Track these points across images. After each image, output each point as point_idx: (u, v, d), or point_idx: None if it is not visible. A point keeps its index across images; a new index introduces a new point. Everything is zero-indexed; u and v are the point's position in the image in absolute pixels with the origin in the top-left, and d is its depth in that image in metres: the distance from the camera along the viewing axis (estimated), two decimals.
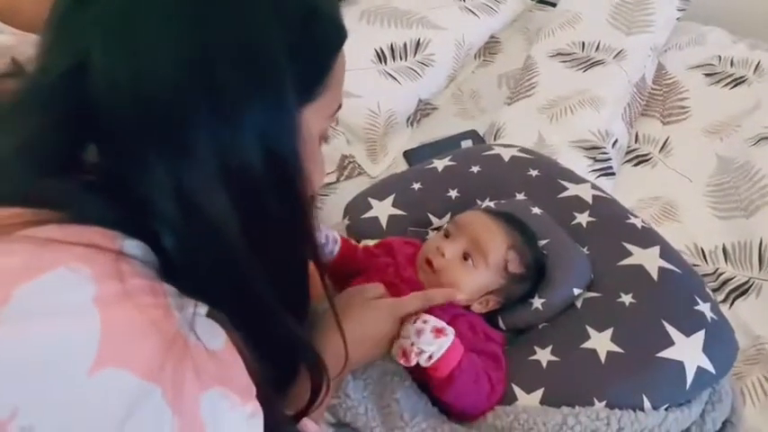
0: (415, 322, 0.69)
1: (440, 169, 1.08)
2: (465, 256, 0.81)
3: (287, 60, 0.43)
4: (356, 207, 1.05)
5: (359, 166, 1.36)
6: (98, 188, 0.42)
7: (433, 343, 0.67)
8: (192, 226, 0.42)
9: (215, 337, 0.43)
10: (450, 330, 0.68)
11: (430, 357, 0.67)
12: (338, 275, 0.86)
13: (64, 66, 0.41)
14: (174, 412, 0.38)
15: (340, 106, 0.52)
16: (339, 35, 0.49)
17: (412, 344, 0.67)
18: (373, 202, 1.05)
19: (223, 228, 0.43)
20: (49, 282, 0.37)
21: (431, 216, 1.02)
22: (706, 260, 1.14)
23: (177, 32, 0.40)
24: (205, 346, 0.41)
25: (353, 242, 0.90)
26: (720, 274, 1.12)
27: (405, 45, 1.51)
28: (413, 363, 0.67)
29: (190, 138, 0.41)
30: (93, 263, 0.38)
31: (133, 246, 0.41)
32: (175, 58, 0.40)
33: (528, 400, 0.75)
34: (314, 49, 0.46)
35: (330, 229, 0.82)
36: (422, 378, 0.74)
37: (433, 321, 0.68)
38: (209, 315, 0.43)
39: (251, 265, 0.45)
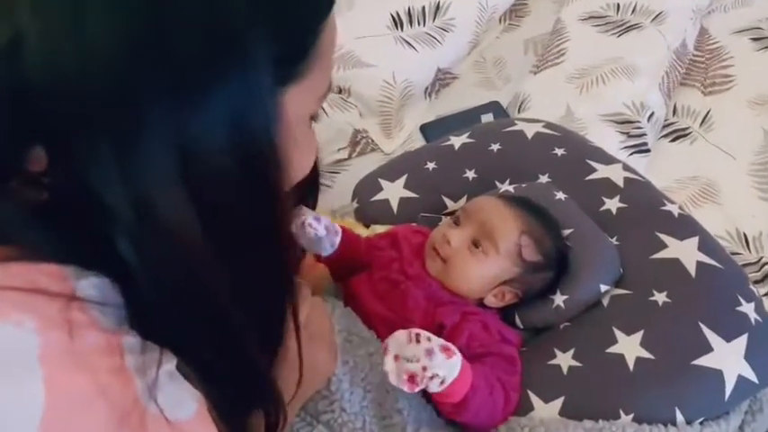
0: (418, 341, 0.60)
1: (456, 147, 1.00)
2: (475, 244, 0.75)
3: (260, 31, 0.36)
4: (365, 189, 1.00)
5: (372, 141, 1.29)
6: (48, 209, 0.36)
7: (444, 365, 0.59)
8: (149, 232, 0.36)
9: (184, 403, 0.38)
10: (455, 348, 0.61)
11: (442, 382, 0.60)
12: (340, 270, 0.80)
13: None
14: None
15: (331, 84, 0.45)
16: None
17: (424, 368, 0.58)
18: (384, 183, 0.98)
19: (185, 232, 0.37)
20: None
21: (445, 199, 0.96)
22: (748, 247, 1.05)
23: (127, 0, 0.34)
24: (167, 417, 0.35)
25: (356, 233, 0.83)
26: (765, 264, 1.03)
27: (423, 9, 1.42)
28: (423, 386, 0.59)
29: (144, 125, 0.34)
30: (38, 312, 0.33)
31: (90, 285, 0.36)
32: (125, 30, 0.33)
33: (546, 410, 0.69)
34: (294, 17, 0.38)
35: (328, 218, 0.75)
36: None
37: (436, 338, 0.61)
38: (179, 369, 0.38)
39: (218, 275, 0.39)
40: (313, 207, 0.72)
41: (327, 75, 0.43)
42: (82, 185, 0.35)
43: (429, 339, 0.60)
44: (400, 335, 0.60)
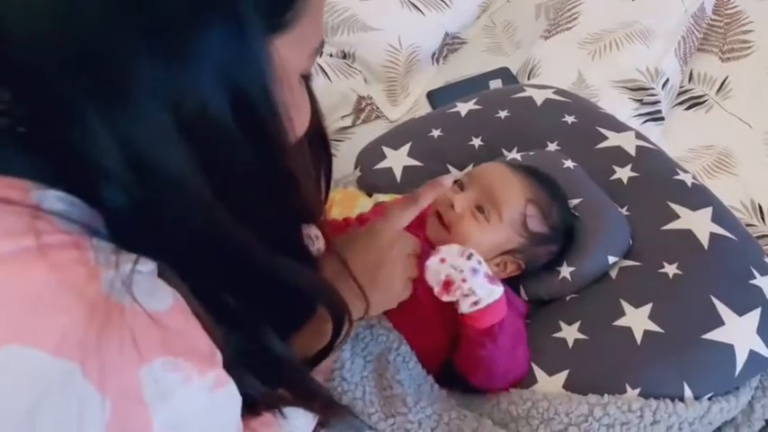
0: (469, 258, 0.60)
1: (463, 114, 0.97)
2: (479, 209, 0.73)
3: None
4: (368, 156, 0.97)
5: (377, 108, 1.26)
6: (8, 130, 0.35)
7: (485, 287, 0.60)
8: (147, 186, 0.35)
9: (158, 297, 0.36)
10: (500, 283, 0.63)
11: (475, 303, 0.61)
12: None
13: None
14: (102, 393, 0.31)
15: (323, 42, 0.43)
16: None
17: (463, 280, 0.60)
18: (387, 150, 0.96)
19: (186, 187, 0.36)
20: None
21: (450, 167, 0.93)
22: (764, 219, 1.02)
23: None
24: (145, 308, 0.34)
25: (340, 220, 0.82)
26: None
27: None
28: (453, 298, 0.61)
29: (129, 79, 0.32)
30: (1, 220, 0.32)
31: (55, 198, 0.34)
32: None
33: (549, 383, 0.67)
34: None
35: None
36: (430, 351, 0.68)
37: (486, 266, 0.62)
38: (160, 274, 0.37)
39: (231, 225, 0.39)
40: (327, 183, 0.70)
41: (318, 28, 0.42)
42: (69, 149, 0.33)
43: (480, 262, 0.61)
44: (455, 246, 0.62)
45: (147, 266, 0.36)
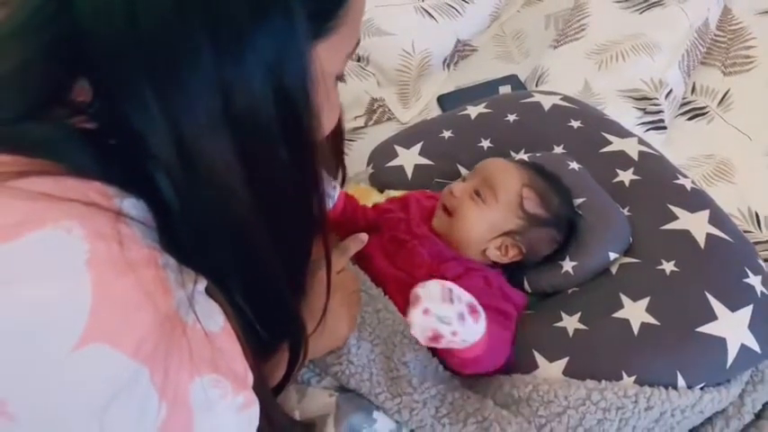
0: (452, 300, 0.56)
1: (473, 117, 1.01)
2: (477, 193, 0.78)
3: None
4: (381, 154, 1.01)
5: (389, 110, 1.30)
6: (95, 136, 0.38)
7: (473, 330, 0.58)
8: (190, 172, 0.38)
9: (213, 318, 0.40)
10: (480, 308, 0.59)
11: (464, 341, 0.59)
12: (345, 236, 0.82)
13: None
14: (161, 397, 0.35)
15: (358, 42, 0.47)
16: None
17: (454, 333, 0.56)
18: (399, 149, 0.99)
19: (225, 175, 0.39)
20: (36, 241, 0.33)
21: (460, 167, 0.96)
22: (760, 227, 1.05)
23: None
24: (203, 327, 0.38)
25: (356, 199, 0.85)
26: None
27: None
28: (441, 346, 0.58)
29: (187, 72, 0.36)
30: (89, 222, 0.34)
31: (132, 205, 0.38)
32: None
33: (550, 369, 0.70)
34: None
35: (329, 178, 0.75)
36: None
37: (465, 295, 0.58)
38: (207, 291, 0.40)
39: (254, 218, 0.42)
40: (343, 175, 0.74)
41: (356, 33, 0.45)
42: (126, 125, 0.37)
43: (460, 299, 0.57)
44: (435, 289, 0.57)
45: (202, 285, 0.40)
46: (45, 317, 0.32)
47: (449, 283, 0.58)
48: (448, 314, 0.56)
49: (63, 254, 0.33)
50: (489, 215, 0.77)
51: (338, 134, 0.65)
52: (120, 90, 0.37)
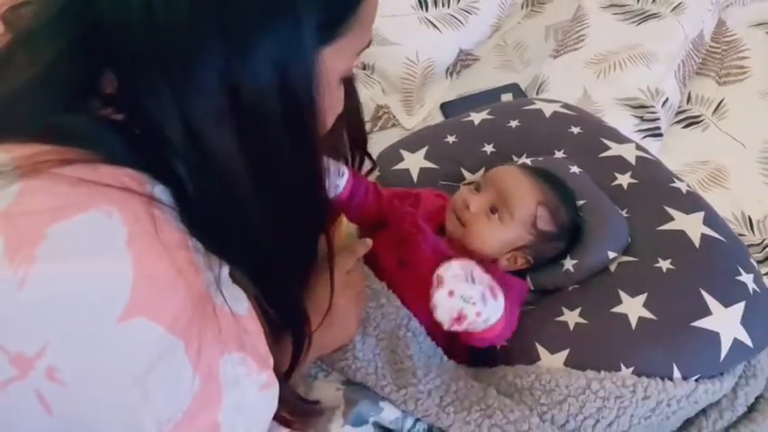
0: (474, 282, 0.56)
1: (476, 122, 1.04)
2: (492, 210, 0.78)
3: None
4: (387, 158, 1.03)
5: (393, 117, 1.33)
6: (123, 126, 0.41)
7: (495, 309, 0.58)
8: (200, 161, 0.41)
9: (239, 301, 0.43)
10: (498, 287, 0.61)
11: (485, 321, 0.59)
12: (364, 228, 0.84)
13: None
14: (195, 370, 0.38)
15: (370, 43, 0.49)
16: None
17: (478, 314, 0.56)
18: (405, 153, 1.02)
19: (229, 165, 0.41)
20: (82, 223, 0.36)
21: (463, 171, 0.99)
22: (753, 230, 1.09)
23: None
24: (231, 309, 0.40)
25: (379, 189, 0.85)
26: (767, 246, 1.06)
27: None
28: (464, 329, 0.58)
29: (197, 64, 0.39)
30: (126, 206, 0.37)
31: (161, 191, 0.40)
32: None
33: (552, 360, 0.73)
34: None
35: (340, 163, 0.75)
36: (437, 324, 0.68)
37: (484, 276, 0.58)
38: (231, 276, 0.43)
39: (256, 207, 0.44)
40: (372, 166, 0.76)
41: (366, 35, 0.48)
42: (147, 115, 0.40)
43: (481, 280, 0.57)
44: (457, 270, 0.57)
45: (225, 269, 0.42)
46: (93, 292, 0.35)
47: (470, 263, 0.58)
48: (473, 294, 0.56)
49: (106, 235, 0.36)
50: (505, 235, 0.77)
51: (358, 127, 0.68)
52: (139, 81, 0.39)
